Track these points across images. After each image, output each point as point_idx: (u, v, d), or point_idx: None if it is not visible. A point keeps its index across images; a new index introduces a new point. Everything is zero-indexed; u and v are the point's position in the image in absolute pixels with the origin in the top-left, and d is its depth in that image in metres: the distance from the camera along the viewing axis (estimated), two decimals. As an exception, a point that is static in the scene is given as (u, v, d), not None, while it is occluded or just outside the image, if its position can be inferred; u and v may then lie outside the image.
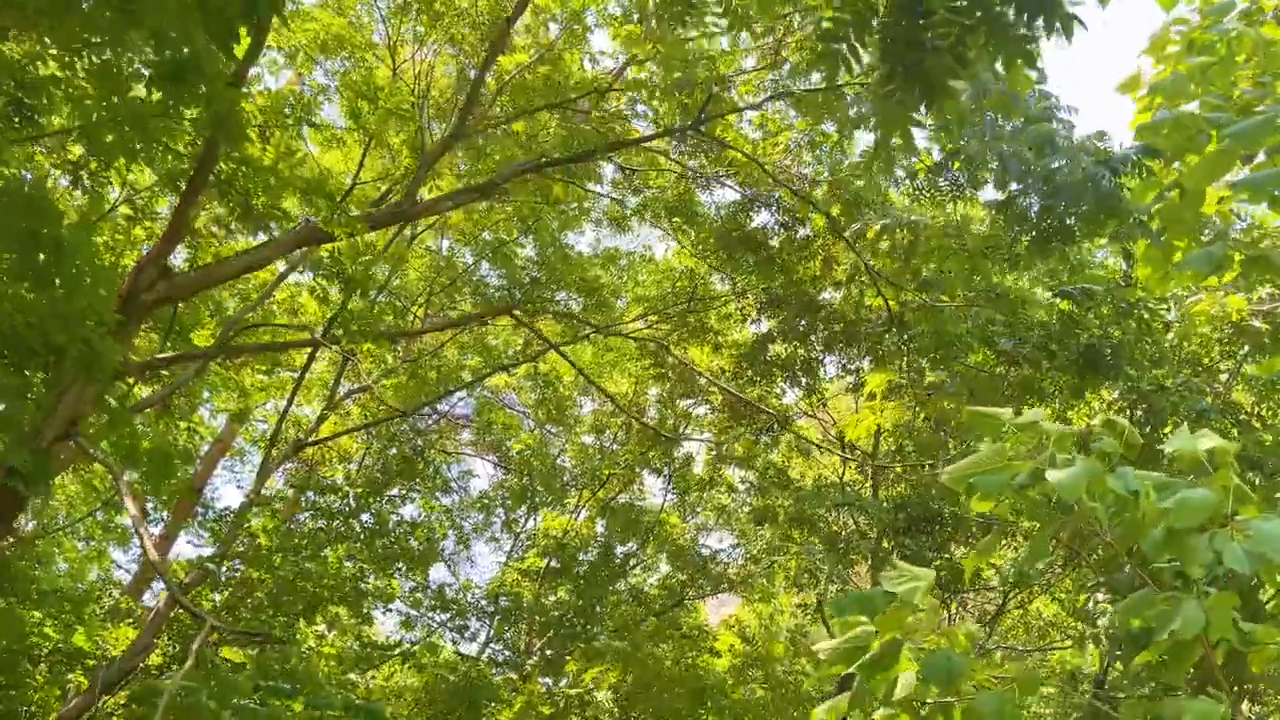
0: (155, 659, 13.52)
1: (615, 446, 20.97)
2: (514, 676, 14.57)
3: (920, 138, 8.90)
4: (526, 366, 20.91)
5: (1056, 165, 6.34)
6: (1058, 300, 9.51)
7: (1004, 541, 13.05)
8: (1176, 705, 3.42)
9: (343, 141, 16.68)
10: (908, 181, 9.30)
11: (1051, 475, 3.60)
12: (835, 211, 10.19)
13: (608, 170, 17.46)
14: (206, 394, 19.21)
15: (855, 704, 3.92)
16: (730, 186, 12.80)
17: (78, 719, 11.53)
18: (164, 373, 12.82)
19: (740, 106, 11.18)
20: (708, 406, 16.81)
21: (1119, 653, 7.76)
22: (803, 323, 13.61)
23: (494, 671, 15.22)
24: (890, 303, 10.09)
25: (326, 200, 8.83)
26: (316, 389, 17.09)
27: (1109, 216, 6.38)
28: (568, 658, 14.03)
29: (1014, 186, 6.70)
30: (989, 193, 8.97)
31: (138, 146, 6.88)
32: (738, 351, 15.39)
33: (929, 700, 3.71)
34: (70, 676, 13.14)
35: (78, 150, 8.44)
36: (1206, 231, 6.45)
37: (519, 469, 20.52)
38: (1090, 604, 8.08)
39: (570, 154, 9.63)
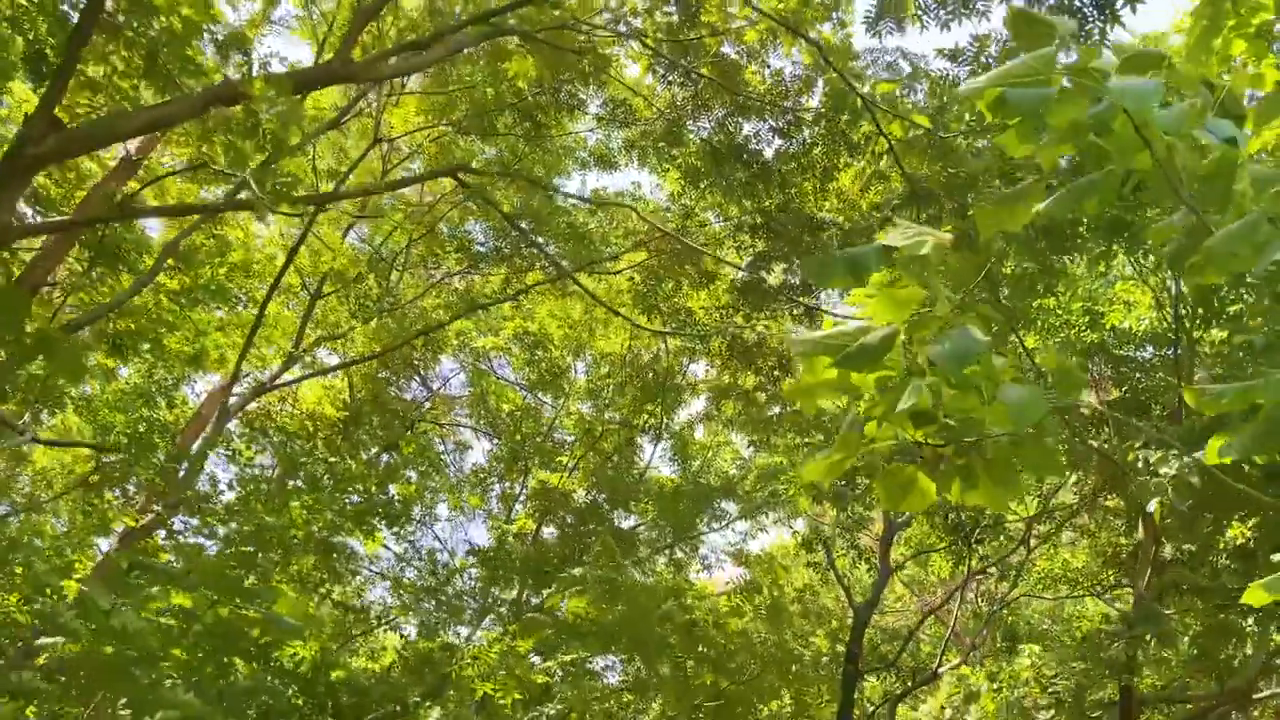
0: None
1: (612, 413, 19.93)
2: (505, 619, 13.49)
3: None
4: (514, 326, 19.93)
5: None
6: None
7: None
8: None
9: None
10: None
11: (1117, 84, 2.51)
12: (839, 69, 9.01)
13: (592, 107, 16.51)
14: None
15: (845, 446, 2.82)
16: (718, 82, 11.72)
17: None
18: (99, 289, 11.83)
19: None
20: (704, 349, 15.70)
21: (1178, 504, 6.70)
22: (806, 240, 12.49)
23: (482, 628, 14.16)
24: (892, 140, 8.94)
25: (243, 55, 7.84)
26: (280, 341, 16.04)
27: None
28: (548, 594, 12.96)
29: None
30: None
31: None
32: (733, 285, 14.30)
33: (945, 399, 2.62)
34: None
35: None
36: None
37: (510, 430, 19.47)
38: (1140, 460, 7.05)
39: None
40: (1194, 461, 6.20)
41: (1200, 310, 9.62)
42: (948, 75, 8.68)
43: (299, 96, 8.14)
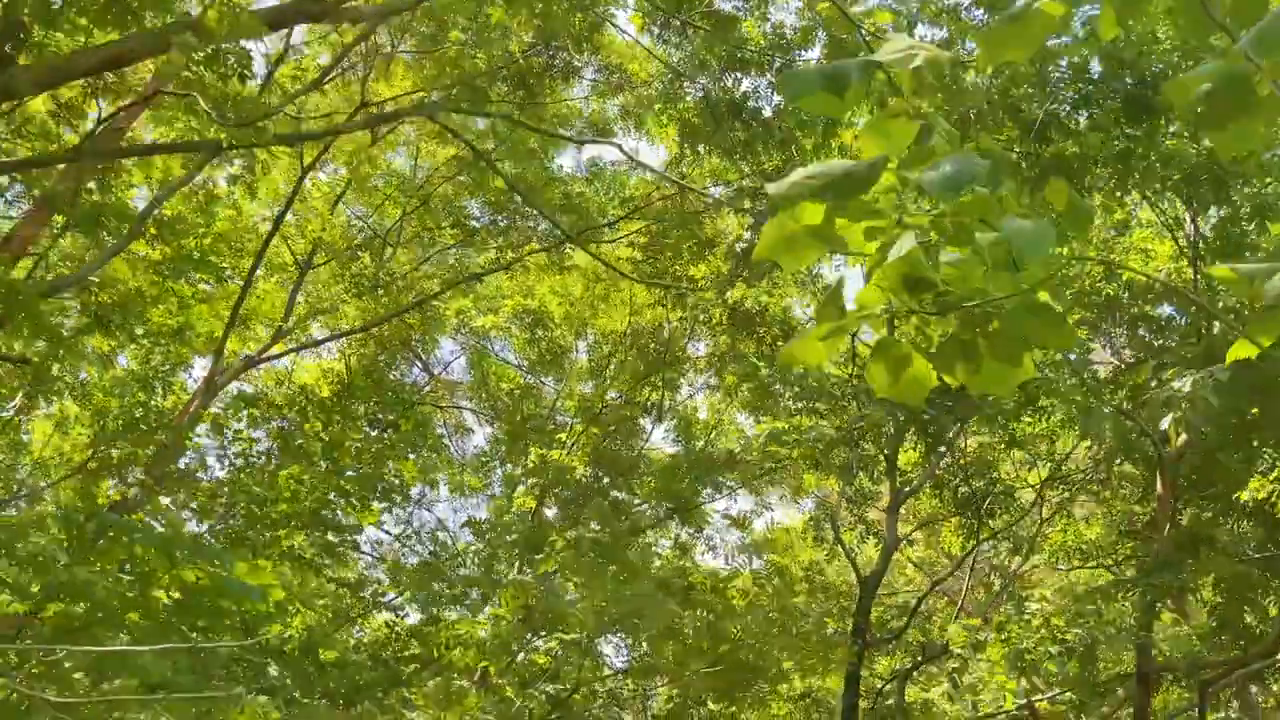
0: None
1: (613, 390, 19.54)
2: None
3: None
4: (514, 304, 19.54)
5: None
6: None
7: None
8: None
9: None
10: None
11: None
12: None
13: (587, 74, 16.11)
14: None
15: (827, 316, 2.43)
16: (715, 35, 11.30)
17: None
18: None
19: None
20: (705, 319, 15.31)
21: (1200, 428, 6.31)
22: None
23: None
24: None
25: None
26: (272, 316, 15.67)
27: None
28: (539, 559, 12.59)
29: None
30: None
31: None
32: (733, 251, 13.91)
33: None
34: None
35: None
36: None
37: (511, 410, 19.10)
38: (1154, 380, 6.65)
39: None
40: (1211, 376, 5.78)
41: (1219, 243, 9.16)
42: (956, 5, 8.29)
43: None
